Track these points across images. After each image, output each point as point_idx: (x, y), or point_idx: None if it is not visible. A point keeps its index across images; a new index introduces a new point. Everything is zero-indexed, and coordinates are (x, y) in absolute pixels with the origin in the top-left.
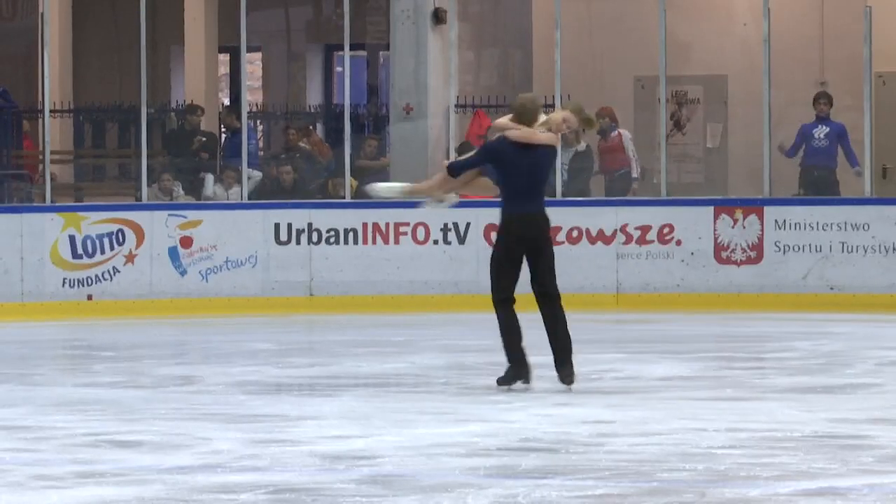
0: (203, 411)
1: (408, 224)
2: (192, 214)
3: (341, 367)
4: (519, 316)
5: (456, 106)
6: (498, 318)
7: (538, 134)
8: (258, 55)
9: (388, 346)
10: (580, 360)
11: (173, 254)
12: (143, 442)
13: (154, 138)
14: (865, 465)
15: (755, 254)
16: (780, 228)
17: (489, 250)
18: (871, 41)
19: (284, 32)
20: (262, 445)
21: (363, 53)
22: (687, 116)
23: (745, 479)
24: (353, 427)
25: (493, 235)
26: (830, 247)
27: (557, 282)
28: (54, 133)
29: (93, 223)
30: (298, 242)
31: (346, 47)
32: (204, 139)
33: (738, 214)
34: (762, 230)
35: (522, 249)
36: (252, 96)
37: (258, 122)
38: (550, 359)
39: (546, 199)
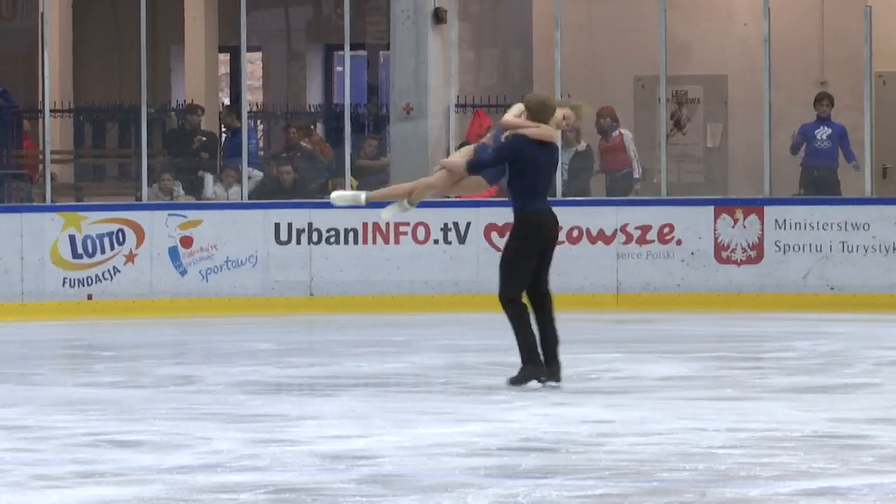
0: (203, 411)
1: (408, 224)
2: (192, 214)
3: (341, 367)
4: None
5: (456, 106)
6: (515, 315)
7: (553, 131)
8: (258, 55)
9: (388, 346)
10: (580, 360)
11: (173, 253)
12: (143, 442)
13: (154, 138)
14: (865, 465)
15: (755, 254)
16: (780, 228)
17: (490, 250)
18: (871, 41)
19: (284, 32)
20: (262, 445)
21: (363, 53)
22: (687, 116)
23: (745, 479)
24: (353, 427)
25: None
26: (830, 247)
27: (558, 281)
28: (54, 133)
29: (93, 223)
30: (298, 242)
31: (347, 47)
32: (204, 139)
33: (739, 214)
34: (762, 230)
35: (542, 247)
36: (252, 96)
37: (258, 121)
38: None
39: (547, 198)
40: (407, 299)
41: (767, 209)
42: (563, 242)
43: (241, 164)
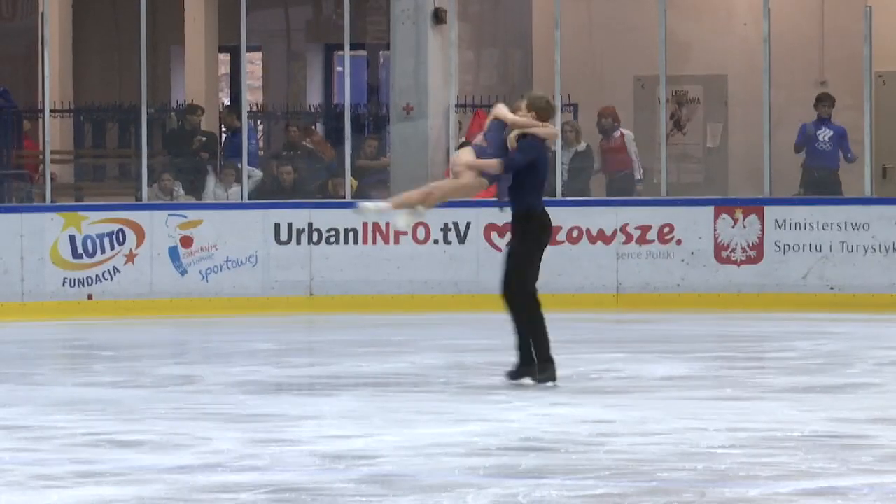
0: (203, 411)
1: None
2: (192, 214)
3: (341, 367)
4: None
5: (456, 106)
6: (538, 313)
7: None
8: (258, 55)
9: (388, 346)
10: (580, 360)
11: (173, 253)
12: (143, 442)
13: (154, 138)
14: (865, 464)
15: (755, 253)
16: (780, 228)
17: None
18: (871, 41)
19: (284, 32)
20: (262, 445)
21: (363, 53)
22: (687, 116)
23: (744, 479)
24: (353, 427)
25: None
26: (830, 247)
27: (558, 281)
28: (54, 133)
29: (93, 223)
30: (298, 242)
31: (347, 47)
32: (204, 139)
33: (739, 214)
34: (762, 230)
35: (546, 246)
36: (252, 96)
37: (258, 121)
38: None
39: (546, 198)
40: (407, 299)
41: (767, 209)
42: (563, 242)
43: (240, 164)
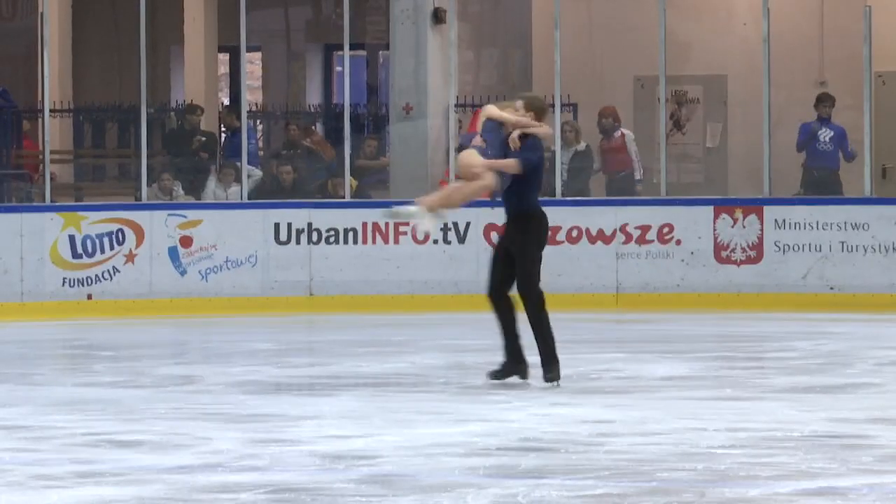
0: (203, 411)
1: (407, 224)
2: (191, 214)
3: (341, 367)
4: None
5: (456, 106)
6: (545, 313)
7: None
8: (258, 55)
9: (388, 346)
10: (580, 360)
11: (173, 253)
12: (143, 442)
13: (154, 138)
14: (865, 464)
15: (755, 253)
16: (779, 228)
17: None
18: (871, 41)
19: (284, 32)
20: (262, 445)
21: (363, 53)
22: (687, 116)
23: (744, 479)
24: (353, 427)
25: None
26: (830, 247)
27: (558, 281)
28: (54, 133)
29: (92, 223)
30: (298, 242)
31: (346, 47)
32: (204, 139)
33: (738, 214)
34: (762, 230)
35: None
36: (252, 96)
37: (258, 121)
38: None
39: (546, 198)
40: (407, 299)
41: (767, 209)
42: (563, 242)
43: (240, 164)
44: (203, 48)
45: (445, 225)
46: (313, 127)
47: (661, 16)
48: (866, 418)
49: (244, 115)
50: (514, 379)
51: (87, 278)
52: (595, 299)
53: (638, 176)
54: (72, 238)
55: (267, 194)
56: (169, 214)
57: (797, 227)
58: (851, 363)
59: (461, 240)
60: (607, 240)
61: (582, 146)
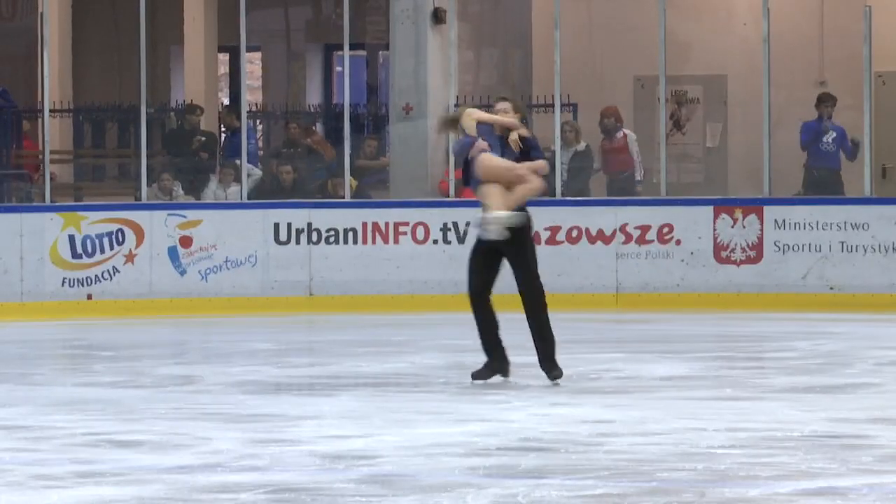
0: (203, 411)
1: (407, 224)
2: (191, 214)
3: (341, 367)
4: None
5: (455, 106)
6: (547, 317)
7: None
8: (258, 55)
9: (388, 346)
10: (580, 360)
11: (173, 253)
12: (143, 442)
13: (154, 138)
14: (865, 464)
15: (755, 253)
16: (779, 228)
17: None
18: (871, 41)
19: (284, 32)
20: (261, 445)
21: (363, 53)
22: (687, 116)
23: (744, 479)
24: (352, 427)
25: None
26: (830, 247)
27: (558, 281)
28: (54, 133)
29: (92, 223)
30: (298, 242)
31: (346, 47)
32: (203, 139)
33: (738, 214)
34: (762, 230)
35: None
36: (252, 96)
37: (258, 121)
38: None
39: (546, 198)
40: (407, 299)
41: (767, 209)
42: (563, 242)
43: (239, 162)
44: (203, 48)
45: (445, 225)
46: (313, 127)
47: (661, 16)
48: (866, 418)
49: (244, 115)
50: (497, 378)
51: (87, 278)
52: (595, 299)
53: (638, 177)
54: (72, 238)
55: (267, 194)
56: (169, 214)
57: (797, 227)
58: (851, 363)
59: (461, 240)
60: (607, 240)
61: (582, 146)
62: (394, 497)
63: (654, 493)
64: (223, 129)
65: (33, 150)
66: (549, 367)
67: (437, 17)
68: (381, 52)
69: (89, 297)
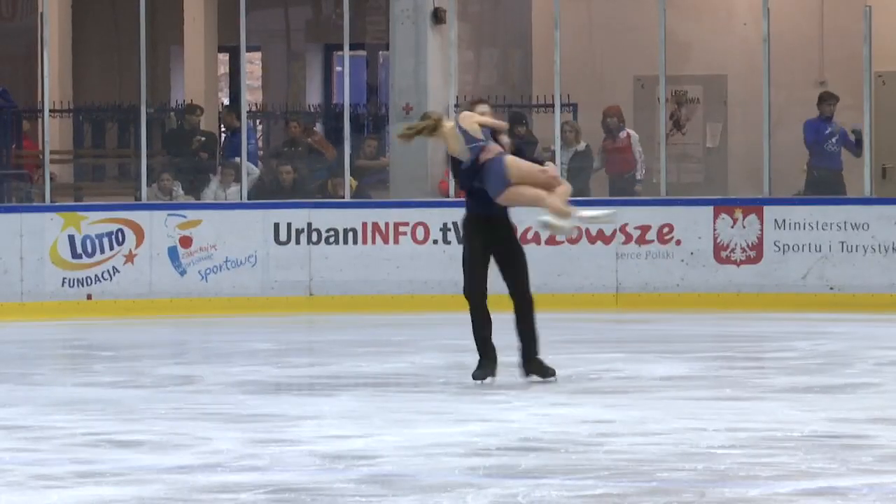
0: (203, 411)
1: (407, 224)
2: (191, 214)
3: (341, 367)
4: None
5: (455, 106)
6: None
7: None
8: (258, 55)
9: (388, 346)
10: (580, 360)
11: (173, 253)
12: (142, 442)
13: (154, 138)
14: (865, 464)
15: (755, 253)
16: (779, 228)
17: None
18: (871, 41)
19: (284, 32)
20: (261, 445)
21: (363, 53)
22: (687, 116)
23: (744, 479)
24: (352, 427)
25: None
26: (830, 247)
27: (558, 281)
28: (54, 133)
29: (92, 223)
30: (298, 242)
31: (346, 47)
32: (203, 139)
33: (738, 214)
34: (762, 230)
35: None
36: (252, 96)
37: (258, 121)
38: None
39: None
40: (407, 299)
41: (767, 209)
42: (563, 242)
43: (238, 160)
44: (203, 48)
45: (445, 225)
46: (313, 127)
47: (661, 16)
48: (866, 418)
49: (244, 115)
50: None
51: (86, 278)
52: (595, 299)
53: (639, 176)
54: (72, 238)
55: (267, 194)
56: (169, 214)
57: (797, 227)
58: (851, 363)
59: (461, 240)
60: (607, 240)
61: (582, 146)
62: (394, 497)
63: (654, 493)
64: (223, 129)
65: (33, 150)
66: (541, 366)
67: (437, 17)
68: (381, 52)
69: (89, 297)
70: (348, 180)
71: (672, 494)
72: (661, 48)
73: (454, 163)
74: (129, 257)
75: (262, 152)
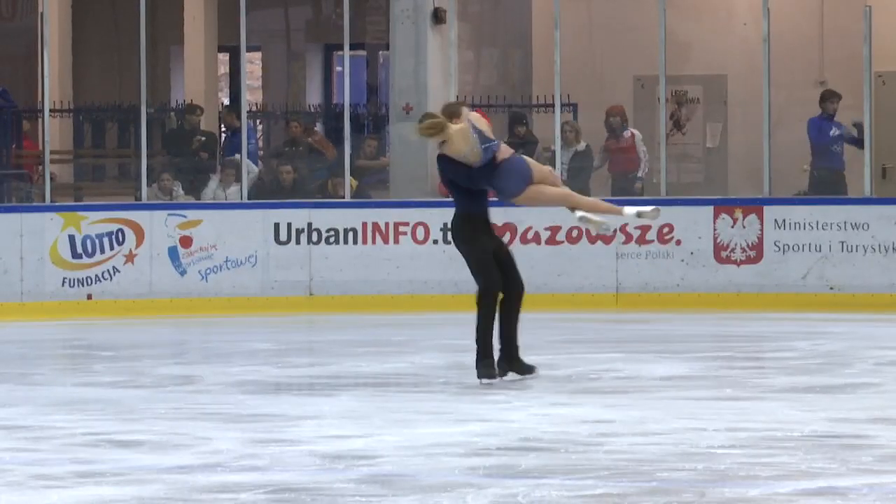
0: (203, 411)
1: (407, 224)
2: (191, 214)
3: (341, 367)
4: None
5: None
6: None
7: None
8: (258, 55)
9: (388, 346)
10: (580, 360)
11: (173, 253)
12: (142, 442)
13: (154, 138)
14: (865, 464)
15: (755, 253)
16: (779, 228)
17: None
18: (871, 41)
19: (284, 32)
20: (261, 445)
21: (363, 53)
22: (687, 116)
23: (744, 479)
24: (352, 427)
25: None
26: (830, 246)
27: (558, 281)
28: (54, 133)
29: (92, 223)
30: (298, 242)
31: (346, 47)
32: (203, 139)
33: (738, 214)
34: (762, 230)
35: None
36: (252, 96)
37: (258, 121)
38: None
39: None
40: (407, 299)
41: (767, 209)
42: (563, 242)
43: (238, 157)
44: (203, 48)
45: (445, 225)
46: (314, 127)
47: (661, 16)
48: (866, 418)
49: (244, 114)
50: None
51: (87, 278)
52: (595, 299)
53: (640, 174)
54: (72, 238)
55: (267, 194)
56: (169, 214)
57: (797, 227)
58: (851, 363)
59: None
60: (607, 240)
61: (582, 146)
62: (394, 497)
63: (654, 493)
64: (223, 129)
65: (33, 150)
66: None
67: (437, 17)
68: (381, 52)
69: (89, 297)
70: (348, 180)
71: (672, 494)
72: (661, 48)
73: (448, 163)
74: (130, 257)
75: (262, 152)
